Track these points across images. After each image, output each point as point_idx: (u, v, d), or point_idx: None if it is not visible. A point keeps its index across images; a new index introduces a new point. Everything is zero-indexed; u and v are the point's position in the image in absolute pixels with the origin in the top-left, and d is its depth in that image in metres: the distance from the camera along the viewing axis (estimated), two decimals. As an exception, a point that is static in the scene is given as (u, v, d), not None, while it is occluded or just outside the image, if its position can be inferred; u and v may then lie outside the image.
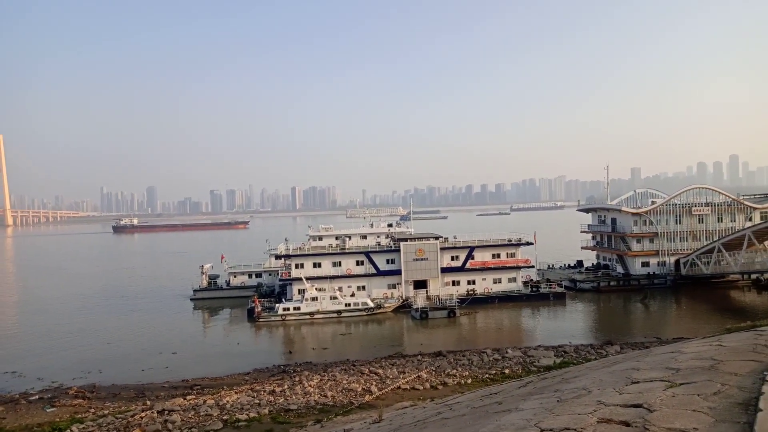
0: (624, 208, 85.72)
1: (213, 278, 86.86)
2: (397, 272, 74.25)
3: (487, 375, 41.08)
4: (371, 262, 74.49)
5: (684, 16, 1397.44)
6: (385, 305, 70.30)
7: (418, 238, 77.90)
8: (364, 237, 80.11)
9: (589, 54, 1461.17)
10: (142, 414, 34.68)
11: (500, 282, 75.77)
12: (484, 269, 75.66)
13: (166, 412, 34.79)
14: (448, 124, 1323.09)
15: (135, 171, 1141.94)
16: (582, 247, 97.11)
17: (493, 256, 76.16)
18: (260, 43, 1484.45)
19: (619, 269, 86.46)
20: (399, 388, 38.51)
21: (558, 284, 79.57)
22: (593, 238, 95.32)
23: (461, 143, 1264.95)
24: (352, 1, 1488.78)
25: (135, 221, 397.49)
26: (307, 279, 70.91)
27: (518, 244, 77.49)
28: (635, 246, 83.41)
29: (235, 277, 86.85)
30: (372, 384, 39.43)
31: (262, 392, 38.92)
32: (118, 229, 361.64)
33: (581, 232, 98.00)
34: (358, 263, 74.68)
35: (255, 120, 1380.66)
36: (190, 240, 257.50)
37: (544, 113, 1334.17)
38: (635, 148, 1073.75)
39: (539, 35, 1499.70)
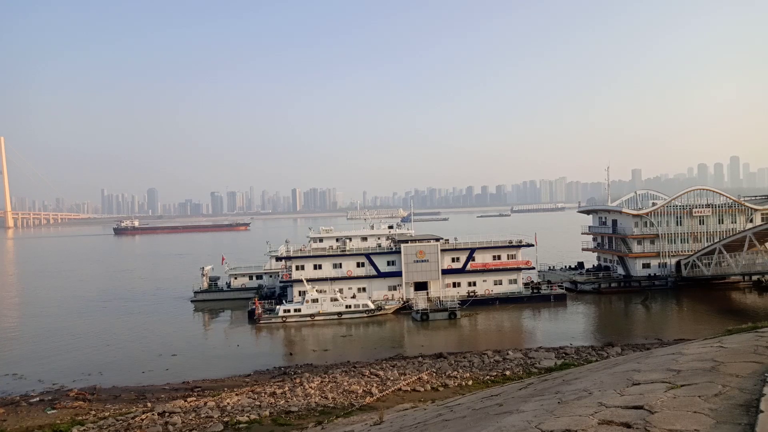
0: (625, 210, 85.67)
1: (213, 280, 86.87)
2: (398, 274, 74.23)
3: (488, 377, 41.03)
4: (372, 263, 74.47)
5: (684, 18, 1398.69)
6: (386, 307, 70.27)
7: (418, 240, 77.88)
8: (364, 239, 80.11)
9: (591, 56, 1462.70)
10: (143, 416, 34.66)
11: (501, 284, 75.73)
12: (484, 271, 75.62)
13: (167, 414, 34.77)
14: (448, 125, 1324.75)
15: (136, 173, 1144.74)
16: (583, 249, 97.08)
17: (494, 257, 76.14)
18: (260, 46, 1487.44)
19: (620, 271, 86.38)
20: (400, 389, 38.47)
21: (559, 286, 79.48)
22: (594, 239, 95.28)
23: (462, 145, 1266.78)
24: (355, 2, 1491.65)
25: (136, 223, 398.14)
26: (308, 281, 70.90)
27: (519, 246, 77.44)
28: (636, 247, 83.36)
29: (235, 278, 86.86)
30: (373, 386, 39.40)
31: (263, 394, 38.90)
32: (119, 231, 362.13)
33: (582, 233, 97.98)
34: (358, 265, 74.66)
35: (256, 122, 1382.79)
36: (191, 242, 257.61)
37: (545, 115, 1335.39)
38: (636, 150, 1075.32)
39: (541, 37, 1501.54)
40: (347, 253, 75.85)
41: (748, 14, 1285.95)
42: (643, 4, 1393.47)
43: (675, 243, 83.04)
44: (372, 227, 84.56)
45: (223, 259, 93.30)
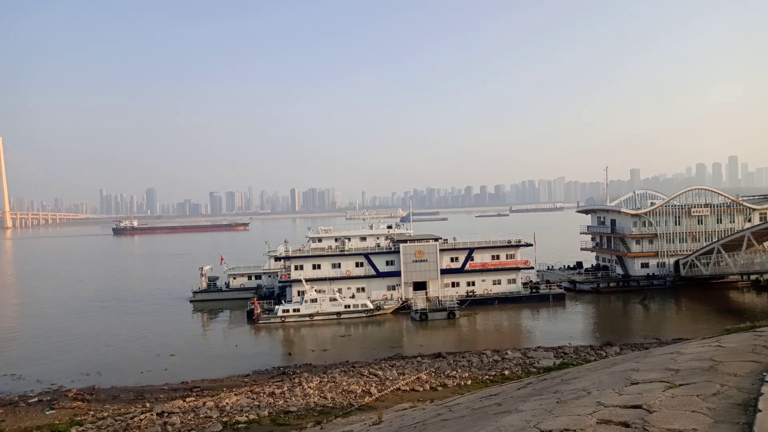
0: (623, 210, 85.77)
1: (212, 280, 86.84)
2: (397, 274, 74.24)
3: (486, 376, 41.05)
4: (371, 263, 74.47)
5: (683, 19, 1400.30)
6: (385, 307, 70.28)
7: (417, 240, 77.89)
8: (363, 239, 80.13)
9: (589, 56, 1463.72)
10: (142, 416, 34.63)
11: (500, 283, 75.78)
12: (483, 270, 75.65)
13: (166, 414, 34.75)
14: (447, 125, 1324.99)
15: (134, 173, 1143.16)
16: (581, 249, 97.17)
17: (493, 257, 76.17)
18: (260, 46, 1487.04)
19: (619, 270, 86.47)
20: (399, 389, 38.48)
21: (557, 285, 79.60)
22: (593, 239, 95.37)
23: (461, 145, 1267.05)
24: (355, 2, 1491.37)
25: (135, 223, 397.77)
26: (307, 281, 70.90)
27: (518, 246, 77.49)
28: (635, 247, 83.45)
29: (234, 278, 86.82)
30: (372, 385, 39.40)
31: (262, 394, 38.88)
32: (118, 231, 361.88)
33: (581, 233, 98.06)
34: (357, 265, 74.66)
35: (255, 122, 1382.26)
36: (190, 242, 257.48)
37: (543, 115, 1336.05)
38: (634, 150, 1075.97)
39: (540, 38, 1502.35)
40: (346, 253, 75.84)
41: (747, 14, 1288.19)
42: (643, 4, 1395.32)
43: (673, 243, 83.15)
44: (371, 227, 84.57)
45: (222, 259, 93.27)
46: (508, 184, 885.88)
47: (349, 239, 79.74)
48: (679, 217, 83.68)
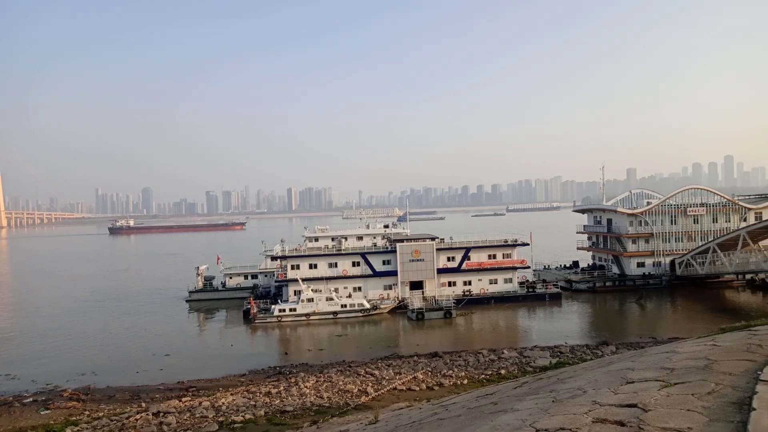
0: (619, 209, 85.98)
1: (209, 280, 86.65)
2: (394, 273, 74.22)
3: (483, 375, 41.10)
4: (367, 263, 74.43)
5: (679, 18, 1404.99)
6: (381, 306, 70.25)
7: (414, 239, 77.88)
8: (360, 238, 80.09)
9: (585, 55, 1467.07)
10: (137, 416, 34.54)
11: (496, 283, 75.85)
12: (480, 270, 75.72)
13: (162, 414, 34.67)
14: (444, 125, 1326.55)
15: (130, 172, 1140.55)
16: (578, 248, 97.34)
17: (489, 256, 76.22)
18: (259, 46, 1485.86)
19: (615, 270, 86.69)
20: (395, 389, 38.48)
21: (554, 285, 79.71)
22: (589, 238, 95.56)
23: (458, 144, 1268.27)
24: (352, 3, 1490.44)
25: (131, 223, 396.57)
26: (303, 280, 70.82)
27: (514, 245, 77.56)
28: (631, 246, 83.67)
29: (230, 278, 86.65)
30: (368, 385, 39.39)
31: (258, 394, 38.83)
32: (114, 231, 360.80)
33: (577, 232, 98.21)
34: (354, 264, 74.62)
35: (251, 121, 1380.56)
36: (186, 241, 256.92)
37: (540, 114, 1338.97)
38: (631, 149, 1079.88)
39: (536, 37, 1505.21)
40: (343, 252, 75.78)
41: (743, 14, 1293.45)
42: (639, 3, 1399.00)
43: (669, 242, 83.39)
44: (368, 226, 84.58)
45: (218, 258, 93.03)
46: (504, 183, 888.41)
47: (346, 239, 79.69)
48: (675, 216, 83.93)
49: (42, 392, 43.50)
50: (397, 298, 72.93)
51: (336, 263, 74.54)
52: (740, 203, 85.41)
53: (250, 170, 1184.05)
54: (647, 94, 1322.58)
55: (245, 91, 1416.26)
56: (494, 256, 76.31)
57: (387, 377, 41.55)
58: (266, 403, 36.36)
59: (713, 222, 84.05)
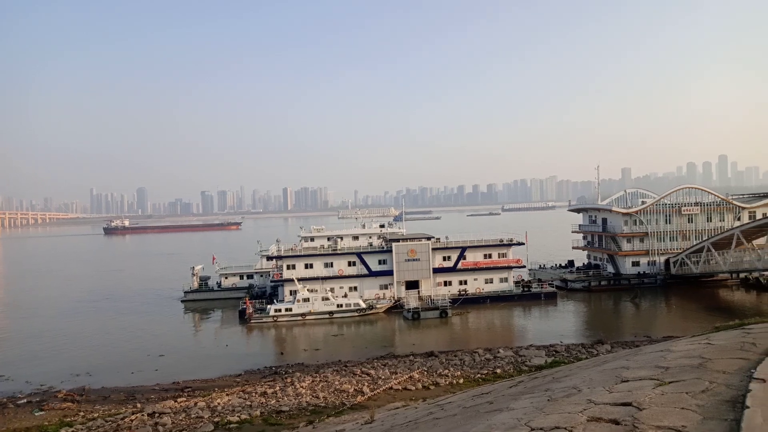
0: (614, 208, 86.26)
1: (204, 280, 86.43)
2: (389, 273, 74.23)
3: (479, 375, 41.16)
4: (363, 262, 74.42)
5: (673, 18, 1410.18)
6: (377, 306, 70.26)
7: (410, 239, 77.92)
8: (356, 238, 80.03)
9: (580, 56, 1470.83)
10: (133, 417, 34.42)
11: (492, 282, 75.97)
12: (475, 269, 75.82)
13: (157, 415, 34.56)
14: (440, 124, 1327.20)
15: (125, 172, 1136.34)
16: (573, 247, 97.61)
17: (485, 256, 76.34)
18: (255, 46, 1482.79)
19: (610, 269, 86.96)
20: (391, 388, 38.49)
21: (549, 284, 79.93)
22: (584, 238, 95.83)
23: (453, 144, 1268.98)
24: (348, 3, 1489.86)
25: (126, 223, 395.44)
26: (299, 280, 70.74)
27: (510, 245, 77.71)
28: (626, 246, 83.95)
29: (226, 278, 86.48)
30: (364, 385, 39.39)
31: (254, 394, 38.77)
32: (109, 231, 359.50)
33: (572, 232, 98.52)
34: (350, 264, 74.59)
35: (247, 121, 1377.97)
36: (182, 241, 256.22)
37: (535, 114, 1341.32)
38: (626, 149, 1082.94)
39: (530, 36, 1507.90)
40: (338, 252, 75.74)
41: (737, 15, 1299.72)
42: (634, 3, 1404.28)
43: (664, 241, 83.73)
44: (363, 226, 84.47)
45: (213, 258, 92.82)
46: (500, 183, 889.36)
47: (342, 238, 79.62)
48: (669, 215, 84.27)
49: (36, 393, 43.29)
50: (393, 297, 72.94)
51: (332, 263, 74.48)
52: (734, 202, 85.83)
53: (245, 170, 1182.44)
54: (642, 94, 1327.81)
55: (241, 91, 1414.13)
56: (490, 256, 76.44)
57: (383, 377, 41.56)
58: (262, 403, 36.30)
59: (707, 221, 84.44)
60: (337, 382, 40.30)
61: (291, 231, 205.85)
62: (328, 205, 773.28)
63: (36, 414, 37.92)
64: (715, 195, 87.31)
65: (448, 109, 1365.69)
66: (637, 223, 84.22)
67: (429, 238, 77.49)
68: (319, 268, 73.81)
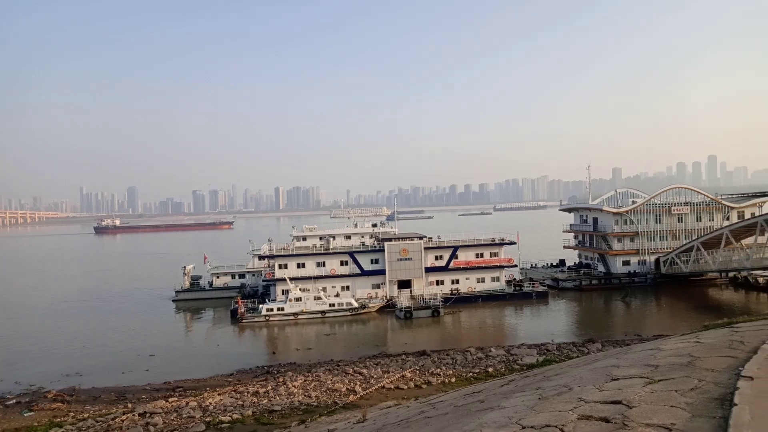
0: (605, 208, 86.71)
1: (195, 279, 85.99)
2: (382, 272, 74.22)
3: (470, 374, 41.24)
4: (355, 262, 74.36)
5: (663, 19, 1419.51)
6: (370, 305, 70.23)
7: (402, 238, 77.94)
8: (348, 237, 79.92)
9: (570, 56, 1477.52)
10: (123, 417, 34.21)
11: (484, 281, 76.15)
12: (467, 269, 75.98)
13: (148, 415, 34.37)
14: (432, 124, 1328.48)
15: (115, 171, 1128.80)
16: (564, 247, 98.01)
17: (477, 255, 76.51)
18: (247, 46, 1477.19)
19: (601, 268, 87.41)
20: (383, 387, 38.50)
21: (541, 283, 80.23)
22: (575, 237, 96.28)
23: (445, 143, 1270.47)
24: (338, 3, 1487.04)
25: (117, 222, 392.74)
26: (291, 279, 70.57)
27: (501, 244, 77.93)
28: (616, 245, 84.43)
29: (218, 277, 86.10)
30: (356, 384, 39.37)
31: (246, 393, 38.65)
32: (99, 230, 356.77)
33: (563, 231, 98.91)
34: (342, 263, 74.50)
35: (239, 120, 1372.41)
36: (173, 241, 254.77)
37: (527, 114, 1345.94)
38: (616, 149, 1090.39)
39: (521, 37, 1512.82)
40: (331, 251, 75.62)
41: (726, 16, 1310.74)
42: (623, 3, 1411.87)
43: (654, 240, 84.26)
44: (356, 226, 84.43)
45: (205, 257, 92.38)
46: (492, 182, 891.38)
47: (334, 238, 79.50)
48: (659, 215, 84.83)
49: (25, 394, 42.89)
50: (386, 297, 72.94)
51: (324, 262, 74.37)
52: (723, 202, 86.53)
53: (237, 169, 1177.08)
54: (632, 95, 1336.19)
55: (234, 91, 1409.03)
56: (482, 255, 76.62)
57: (375, 376, 41.56)
58: (254, 402, 36.19)
59: (697, 221, 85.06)
60: (329, 382, 40.25)
61: (283, 230, 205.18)
62: (320, 205, 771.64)
63: (25, 415, 37.58)
64: (705, 195, 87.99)
65: (440, 109, 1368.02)
66: (628, 223, 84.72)
67: (421, 238, 77.55)
68: (311, 268, 73.67)
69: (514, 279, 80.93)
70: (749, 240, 72.27)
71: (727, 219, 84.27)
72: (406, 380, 40.13)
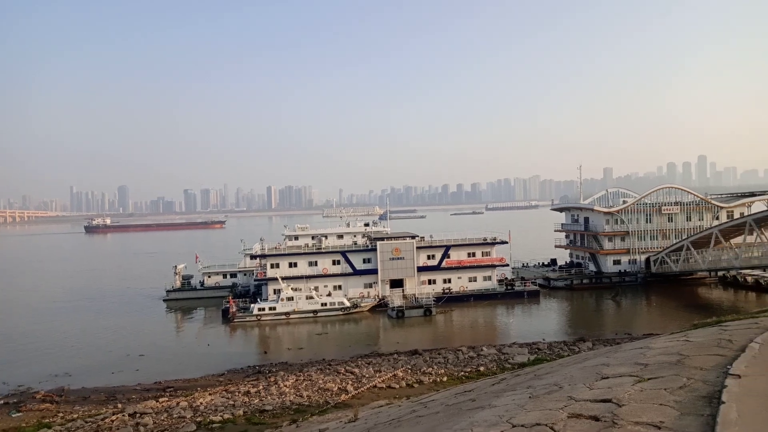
0: (596, 208, 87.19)
1: (186, 278, 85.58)
2: (374, 271, 74.20)
3: (462, 373, 41.32)
4: (347, 261, 74.28)
5: (653, 19, 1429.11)
6: (362, 304, 70.19)
7: (394, 238, 77.96)
8: (340, 236, 79.83)
9: (561, 57, 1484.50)
10: (113, 417, 33.96)
11: (476, 280, 76.34)
12: (459, 268, 76.13)
13: (138, 415, 34.15)
14: (425, 124, 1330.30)
15: (106, 170, 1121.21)
16: (556, 246, 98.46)
17: (469, 255, 76.68)
18: (241, 47, 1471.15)
19: (592, 267, 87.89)
20: (375, 386, 38.49)
21: (532, 282, 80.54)
22: (566, 236, 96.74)
23: (438, 143, 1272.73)
24: (332, 5, 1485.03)
25: (108, 221, 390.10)
26: (283, 279, 70.38)
27: (493, 243, 78.14)
28: (607, 244, 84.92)
29: (209, 277, 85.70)
30: (348, 383, 39.34)
31: (237, 393, 38.50)
32: (90, 230, 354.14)
33: (555, 231, 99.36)
34: (334, 263, 74.40)
35: (231, 120, 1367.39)
36: (164, 240, 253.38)
37: (519, 114, 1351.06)
38: (608, 149, 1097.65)
39: (512, 36, 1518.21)
40: (323, 250, 75.49)
41: (716, 17, 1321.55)
42: (612, 4, 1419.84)
43: (644, 240, 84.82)
44: (348, 225, 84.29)
45: (196, 257, 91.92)
46: (484, 182, 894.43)
47: (326, 237, 79.36)
48: (650, 215, 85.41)
49: (14, 394, 42.48)
50: (378, 296, 72.93)
51: (316, 262, 74.23)
52: (713, 202, 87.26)
53: (229, 168, 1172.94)
54: (623, 96, 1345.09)
55: (226, 91, 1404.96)
56: (473, 254, 76.81)
57: (367, 375, 41.54)
58: (245, 402, 36.06)
59: (687, 220, 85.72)
60: (321, 381, 40.19)
61: (275, 230, 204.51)
62: (312, 204, 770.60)
63: (13, 415, 37.22)
64: (695, 195, 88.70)
65: (432, 109, 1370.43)
66: (619, 222, 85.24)
67: (413, 237, 77.61)
68: (303, 267, 73.51)
69: (506, 278, 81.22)
70: (738, 239, 72.88)
71: (717, 219, 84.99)
72: (397, 379, 40.15)
